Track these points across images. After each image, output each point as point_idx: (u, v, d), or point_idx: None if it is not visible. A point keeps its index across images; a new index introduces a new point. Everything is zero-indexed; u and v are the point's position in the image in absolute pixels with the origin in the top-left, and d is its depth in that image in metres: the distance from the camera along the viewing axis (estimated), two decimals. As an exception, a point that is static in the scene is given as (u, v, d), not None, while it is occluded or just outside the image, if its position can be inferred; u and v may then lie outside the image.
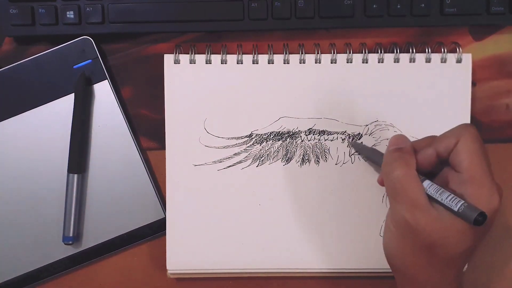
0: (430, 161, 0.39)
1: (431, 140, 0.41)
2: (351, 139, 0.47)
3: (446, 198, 0.37)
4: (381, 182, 0.44)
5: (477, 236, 0.37)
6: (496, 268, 0.50)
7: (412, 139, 0.47)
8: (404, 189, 0.38)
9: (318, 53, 0.48)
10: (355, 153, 0.48)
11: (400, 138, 0.42)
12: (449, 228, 0.36)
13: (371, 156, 0.47)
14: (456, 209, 0.36)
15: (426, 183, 0.38)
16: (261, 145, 0.48)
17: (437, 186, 0.38)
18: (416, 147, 0.41)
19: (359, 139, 0.48)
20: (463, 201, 0.36)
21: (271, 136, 0.48)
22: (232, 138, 0.48)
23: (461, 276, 0.40)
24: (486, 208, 0.36)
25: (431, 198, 0.38)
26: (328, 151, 0.48)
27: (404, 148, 0.40)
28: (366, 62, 0.48)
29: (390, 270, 0.48)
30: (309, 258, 0.48)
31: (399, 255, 0.39)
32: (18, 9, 0.47)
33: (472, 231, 0.36)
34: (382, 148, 0.48)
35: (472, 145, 0.37)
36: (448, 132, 0.39)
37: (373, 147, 0.48)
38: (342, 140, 0.48)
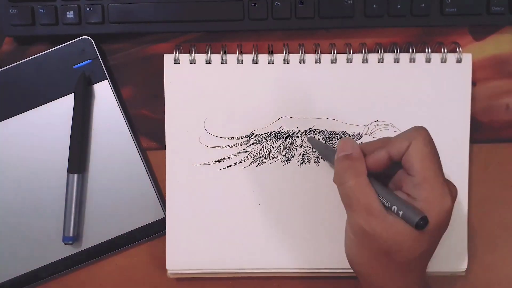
0: (382, 164, 0.39)
1: (383, 142, 0.40)
2: (307, 133, 0.47)
3: (392, 203, 0.37)
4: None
5: (431, 239, 0.38)
6: (496, 268, 0.50)
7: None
8: (357, 198, 0.38)
9: (318, 53, 0.48)
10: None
11: (348, 142, 0.41)
12: (403, 233, 0.37)
13: (325, 153, 0.46)
14: (400, 214, 0.37)
15: (378, 187, 0.38)
16: (261, 145, 0.48)
17: (387, 190, 0.38)
18: (367, 150, 0.40)
19: (359, 139, 0.48)
20: (406, 206, 0.37)
21: (271, 136, 0.48)
22: (232, 138, 0.48)
23: (424, 279, 0.40)
24: (438, 209, 0.37)
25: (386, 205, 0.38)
26: (328, 151, 0.48)
27: (352, 154, 0.40)
28: (366, 62, 0.48)
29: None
30: (309, 258, 0.48)
31: (360, 262, 0.40)
32: (18, 9, 0.47)
33: (425, 235, 0.37)
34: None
35: (423, 149, 0.38)
36: (401, 134, 0.40)
37: (327, 143, 0.47)
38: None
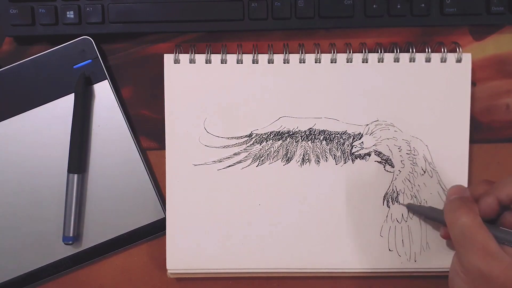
0: (492, 209, 0.39)
1: (486, 186, 0.41)
2: (405, 202, 0.48)
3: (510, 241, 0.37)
4: (445, 236, 0.45)
5: None
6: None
7: (412, 139, 0.48)
8: (473, 236, 0.37)
9: (318, 53, 0.48)
10: (357, 157, 0.48)
11: (459, 188, 0.42)
12: None
13: (430, 214, 0.46)
14: None
15: (493, 228, 0.38)
16: (261, 145, 0.48)
17: (501, 229, 0.38)
18: (473, 195, 0.41)
19: (359, 139, 0.48)
20: None
21: (271, 136, 0.48)
22: (232, 138, 0.48)
23: None
24: None
25: (501, 244, 0.37)
26: (328, 151, 0.48)
27: (465, 196, 0.41)
28: (366, 62, 0.48)
29: (390, 270, 0.48)
30: (308, 258, 0.48)
31: None
32: (18, 9, 0.47)
33: None
34: (383, 147, 0.48)
35: None
36: (508, 178, 0.40)
37: (431, 206, 0.47)
38: (343, 140, 0.48)
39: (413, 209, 0.48)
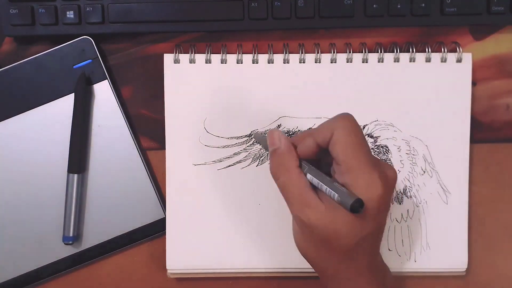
0: (312, 152, 0.39)
1: (312, 130, 0.40)
2: (255, 131, 0.47)
3: (327, 189, 0.37)
4: None
5: (367, 224, 0.37)
6: (496, 268, 0.50)
7: (412, 139, 0.48)
8: (290, 192, 0.39)
9: (318, 53, 0.48)
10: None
11: (275, 135, 0.41)
12: (337, 220, 0.37)
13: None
14: (335, 198, 0.36)
15: (309, 176, 0.38)
16: (261, 145, 0.48)
17: (323, 176, 0.38)
18: (297, 140, 0.40)
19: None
20: (341, 189, 0.36)
21: (271, 136, 0.48)
22: (232, 137, 0.48)
23: (375, 264, 0.40)
24: (364, 196, 0.36)
25: (317, 190, 0.38)
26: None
27: (280, 148, 0.40)
28: (366, 62, 0.48)
29: (390, 270, 0.48)
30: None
31: (307, 251, 0.40)
32: (18, 9, 0.47)
33: (359, 220, 0.36)
34: (382, 147, 0.48)
35: (346, 138, 0.37)
36: (325, 123, 0.39)
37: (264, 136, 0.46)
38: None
39: (258, 139, 0.47)
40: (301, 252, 0.41)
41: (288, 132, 0.48)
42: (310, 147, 0.39)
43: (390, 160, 0.48)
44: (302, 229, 0.39)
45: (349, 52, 0.48)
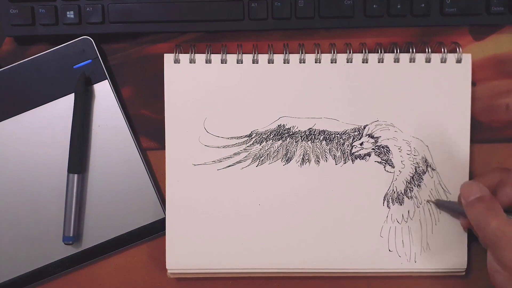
0: (510, 199, 0.41)
1: (498, 174, 0.43)
2: (434, 199, 0.48)
3: None
4: (465, 226, 0.47)
5: None
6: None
7: (412, 139, 0.48)
8: (505, 236, 0.39)
9: (318, 53, 0.48)
10: (357, 157, 0.48)
11: (473, 185, 0.43)
12: None
13: (452, 207, 0.47)
14: None
15: None
16: (261, 145, 0.48)
17: None
18: (488, 186, 0.42)
19: (359, 139, 0.48)
20: None
21: (271, 136, 0.48)
22: (232, 137, 0.48)
23: None
24: None
25: None
26: (328, 151, 0.48)
27: (485, 196, 0.42)
28: (366, 62, 0.48)
29: (390, 271, 0.48)
30: (309, 258, 0.48)
31: None
32: (18, 9, 0.47)
33: None
34: (383, 148, 0.48)
35: None
36: None
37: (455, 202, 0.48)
38: (343, 140, 0.48)
39: (442, 205, 0.48)
40: None
41: (288, 132, 0.48)
42: (510, 196, 0.41)
43: (391, 160, 0.48)
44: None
45: (349, 52, 0.48)
